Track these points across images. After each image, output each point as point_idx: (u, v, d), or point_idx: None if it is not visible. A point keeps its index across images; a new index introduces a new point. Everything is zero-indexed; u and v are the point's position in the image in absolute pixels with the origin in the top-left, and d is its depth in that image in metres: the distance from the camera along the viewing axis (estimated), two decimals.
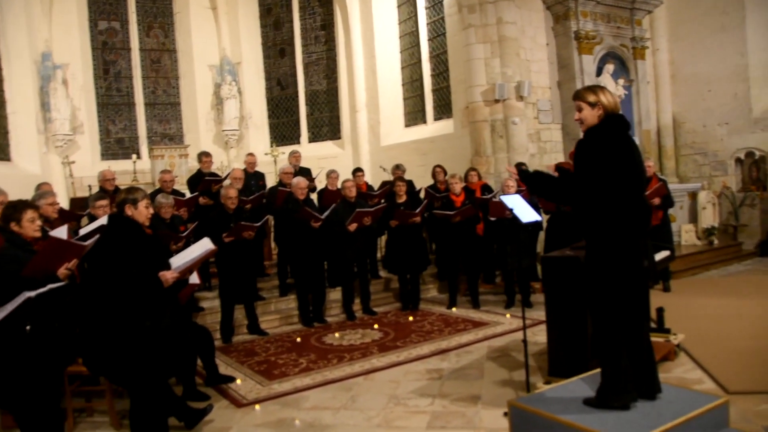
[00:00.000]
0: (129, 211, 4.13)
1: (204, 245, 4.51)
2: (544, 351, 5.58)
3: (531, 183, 4.04)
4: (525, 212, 4.35)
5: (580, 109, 3.89)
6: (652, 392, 3.90)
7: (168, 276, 4.11)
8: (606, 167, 3.69)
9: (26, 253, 4.21)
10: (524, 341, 4.79)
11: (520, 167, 4.27)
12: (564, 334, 4.90)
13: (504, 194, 8.13)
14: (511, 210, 4.31)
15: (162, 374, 4.10)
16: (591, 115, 3.80)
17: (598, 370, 4.46)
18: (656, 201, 7.87)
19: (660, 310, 6.01)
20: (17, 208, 4.38)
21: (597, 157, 3.73)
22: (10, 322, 3.36)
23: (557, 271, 4.91)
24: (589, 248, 3.90)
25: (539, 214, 4.56)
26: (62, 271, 4.22)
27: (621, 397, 3.76)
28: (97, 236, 4.87)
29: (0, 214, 4.62)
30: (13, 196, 5.72)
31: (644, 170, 3.92)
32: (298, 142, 15.24)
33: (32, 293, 3.35)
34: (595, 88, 3.90)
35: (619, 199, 3.70)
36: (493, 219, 8.16)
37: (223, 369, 6.09)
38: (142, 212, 4.17)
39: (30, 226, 4.35)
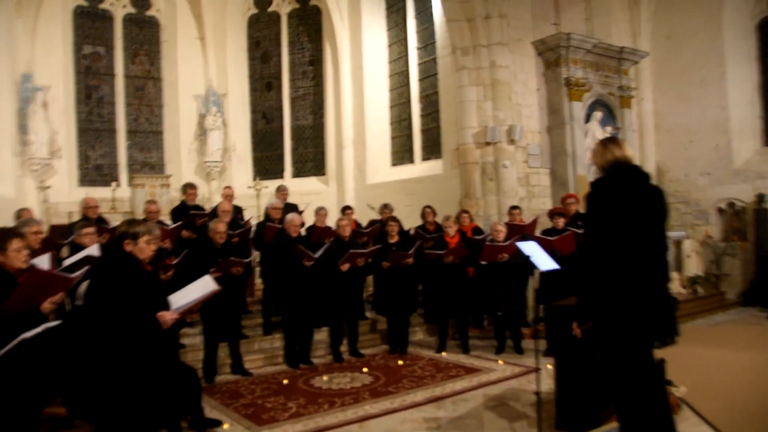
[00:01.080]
0: (128, 247, 3.86)
1: (206, 285, 4.25)
2: (545, 401, 5.40)
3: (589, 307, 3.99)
4: (542, 260, 4.20)
5: None
6: None
7: (167, 317, 3.84)
8: (601, 220, 3.71)
9: (9, 287, 3.94)
10: (537, 393, 4.59)
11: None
12: (573, 387, 4.72)
13: (493, 239, 8.05)
14: (528, 257, 4.15)
15: (154, 422, 3.81)
16: (595, 170, 3.84)
17: (613, 425, 4.31)
18: None
19: (662, 362, 5.86)
20: (2, 237, 4.11)
21: (596, 210, 3.77)
22: None
23: (565, 320, 4.75)
24: (597, 302, 3.79)
25: (555, 261, 4.38)
26: (46, 306, 3.94)
27: None
28: (84, 269, 4.62)
29: None
30: None
31: (657, 222, 3.79)
32: (282, 177, 15.06)
33: (29, 334, 3.08)
34: (596, 146, 3.94)
35: (619, 252, 3.65)
36: (484, 263, 8.01)
37: (208, 411, 5.74)
38: (143, 249, 3.90)
39: (16, 256, 4.09)
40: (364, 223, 10.34)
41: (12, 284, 3.96)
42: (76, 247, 6.29)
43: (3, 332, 3.54)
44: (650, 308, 3.66)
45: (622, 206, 3.65)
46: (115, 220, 8.84)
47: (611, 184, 3.73)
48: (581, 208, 9.76)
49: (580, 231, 8.27)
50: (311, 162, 15.46)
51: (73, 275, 4.23)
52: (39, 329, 3.21)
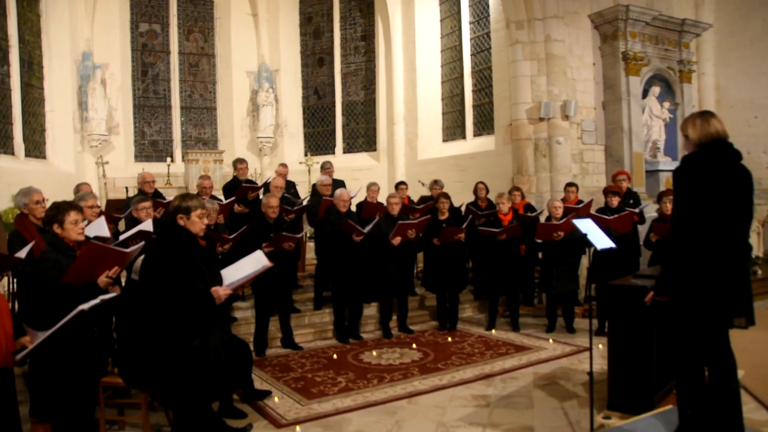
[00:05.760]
0: (181, 221, 3.92)
1: (258, 261, 4.27)
2: (596, 381, 5.31)
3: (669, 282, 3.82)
4: (599, 238, 4.10)
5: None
6: None
7: (221, 293, 3.88)
8: (692, 197, 3.57)
9: (68, 258, 4.04)
10: (590, 374, 4.51)
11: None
12: (627, 367, 4.61)
13: (553, 216, 7.91)
14: (585, 235, 4.05)
15: (208, 395, 3.88)
16: (686, 145, 3.74)
17: (670, 407, 4.22)
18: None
19: None
20: (60, 209, 4.20)
21: (685, 187, 3.62)
22: (57, 333, 3.16)
23: (623, 300, 4.64)
24: (677, 280, 3.69)
25: (612, 240, 4.27)
26: (103, 279, 4.03)
27: None
28: (140, 244, 4.70)
29: (44, 215, 4.48)
30: (48, 194, 5.59)
31: (745, 204, 3.65)
32: (333, 153, 15.13)
33: (86, 306, 3.16)
34: (689, 120, 3.76)
35: (705, 231, 3.53)
36: (539, 241, 7.89)
37: (258, 384, 5.86)
38: (195, 223, 3.93)
39: (73, 228, 4.17)
40: (415, 199, 10.31)
41: (71, 257, 4.06)
42: (133, 221, 6.42)
43: (62, 303, 3.65)
44: (733, 287, 3.57)
45: (714, 186, 3.53)
46: (169, 195, 9.01)
47: (705, 162, 3.58)
48: (633, 185, 9.55)
49: (635, 210, 8.08)
50: (362, 138, 15.47)
51: (129, 250, 4.31)
52: (96, 301, 3.28)
